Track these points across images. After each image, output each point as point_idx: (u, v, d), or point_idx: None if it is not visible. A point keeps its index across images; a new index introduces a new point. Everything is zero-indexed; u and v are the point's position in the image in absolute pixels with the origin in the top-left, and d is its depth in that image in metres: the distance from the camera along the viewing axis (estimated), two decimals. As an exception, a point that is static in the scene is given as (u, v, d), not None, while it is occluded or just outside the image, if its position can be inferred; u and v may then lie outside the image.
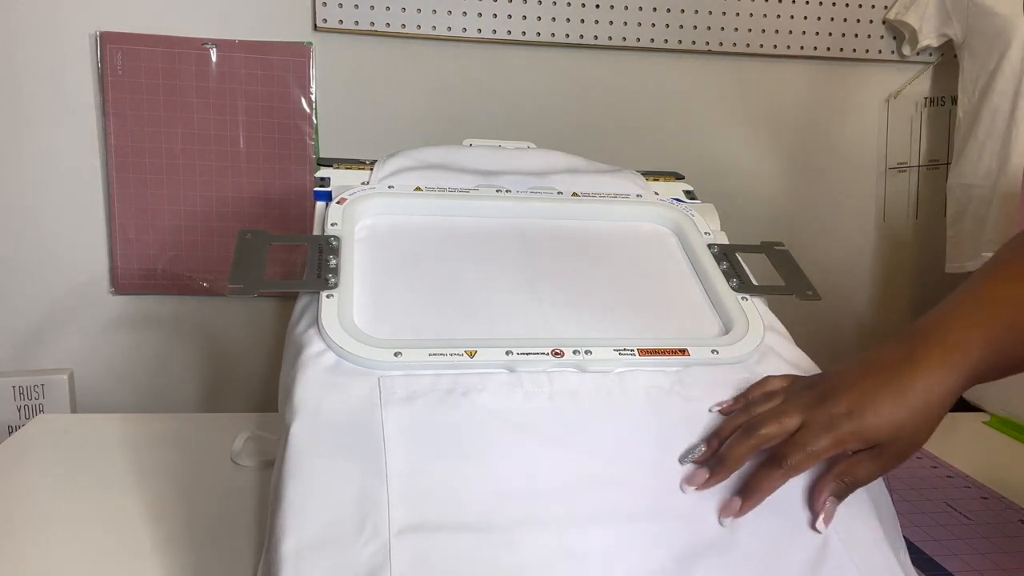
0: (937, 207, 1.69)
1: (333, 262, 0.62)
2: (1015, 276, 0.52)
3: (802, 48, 1.57)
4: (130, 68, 1.35)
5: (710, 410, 0.54)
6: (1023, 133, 1.38)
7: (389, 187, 0.73)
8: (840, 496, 0.49)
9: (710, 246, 0.71)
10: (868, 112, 1.65)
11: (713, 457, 0.51)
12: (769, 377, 0.56)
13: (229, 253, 0.68)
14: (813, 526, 0.49)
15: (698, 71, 1.56)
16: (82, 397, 1.37)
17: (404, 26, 1.42)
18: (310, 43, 1.41)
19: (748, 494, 0.49)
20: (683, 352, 0.58)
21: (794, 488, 0.51)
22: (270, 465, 0.72)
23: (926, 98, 1.67)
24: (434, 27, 1.43)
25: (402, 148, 0.81)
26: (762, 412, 0.51)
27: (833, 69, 1.61)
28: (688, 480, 0.50)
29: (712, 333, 0.62)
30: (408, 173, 0.75)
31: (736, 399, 0.54)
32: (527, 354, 0.55)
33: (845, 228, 1.70)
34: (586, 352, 0.56)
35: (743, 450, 0.49)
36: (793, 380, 0.55)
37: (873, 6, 1.58)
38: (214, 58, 1.37)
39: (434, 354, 0.54)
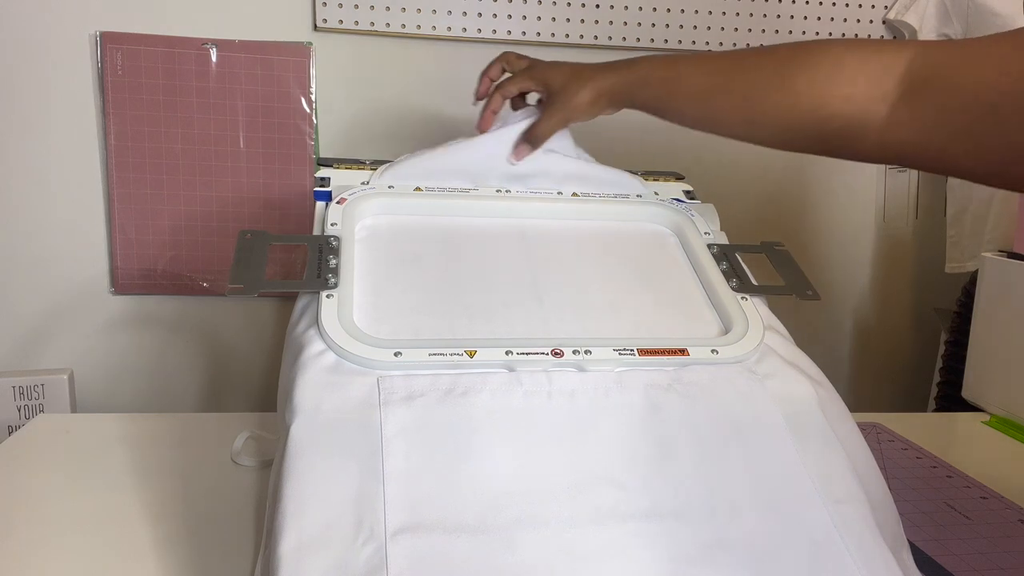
0: (937, 207, 1.69)
1: (333, 262, 0.62)
2: (721, 57, 0.67)
3: (802, 48, 1.57)
4: (130, 68, 1.35)
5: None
6: (1023, 133, 1.38)
7: (389, 187, 0.73)
8: (533, 143, 0.77)
9: (710, 246, 0.71)
10: (868, 112, 1.65)
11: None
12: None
13: (229, 253, 0.68)
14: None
15: (698, 71, 1.56)
16: (82, 397, 1.37)
17: (404, 26, 1.42)
18: (310, 43, 1.41)
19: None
20: (683, 352, 0.58)
21: (794, 489, 0.51)
22: (270, 465, 0.72)
23: (926, 98, 1.66)
24: (434, 27, 1.43)
25: (404, 152, 0.81)
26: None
27: (833, 69, 1.61)
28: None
29: (712, 333, 0.62)
30: (407, 179, 0.75)
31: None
32: (527, 354, 0.55)
33: (845, 228, 1.70)
34: (586, 352, 0.56)
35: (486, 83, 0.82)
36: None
37: (873, 6, 1.58)
38: (214, 58, 1.37)
39: (434, 354, 0.54)
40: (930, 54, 0.55)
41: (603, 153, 0.97)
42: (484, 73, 0.84)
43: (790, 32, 1.56)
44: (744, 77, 0.63)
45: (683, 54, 0.72)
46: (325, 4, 1.39)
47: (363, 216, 0.69)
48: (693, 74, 0.67)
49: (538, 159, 0.82)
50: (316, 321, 0.56)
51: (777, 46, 0.64)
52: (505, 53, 0.83)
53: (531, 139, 0.75)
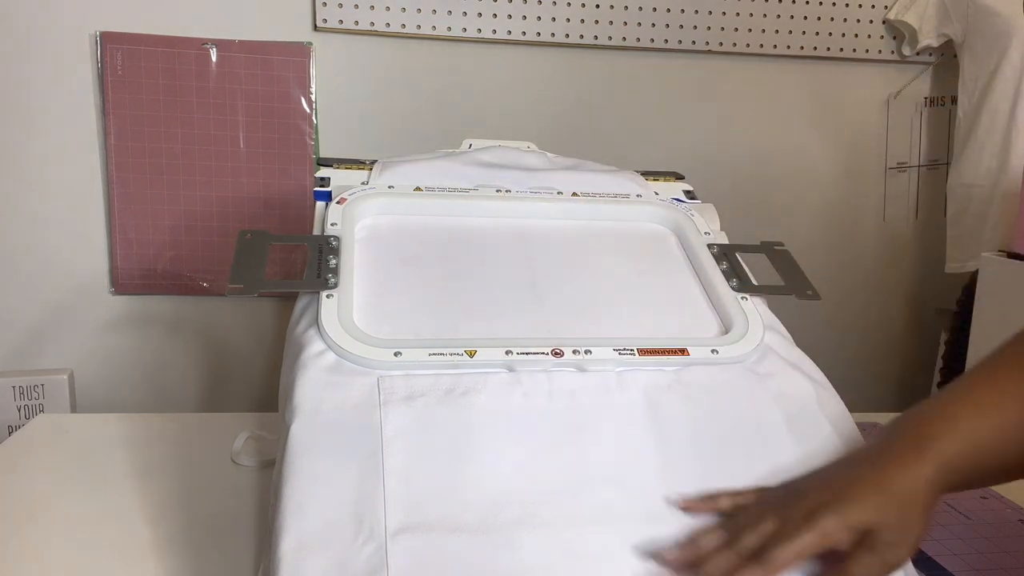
0: (937, 207, 1.69)
1: (333, 262, 0.62)
2: (1010, 375, 0.49)
3: (802, 48, 1.57)
4: (130, 68, 1.35)
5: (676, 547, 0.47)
6: (1023, 133, 1.38)
7: (389, 187, 0.73)
8: None
9: (710, 246, 0.71)
10: (868, 112, 1.65)
11: (684, 566, 0.46)
12: (738, 491, 0.50)
13: (229, 253, 0.68)
14: None
15: (698, 71, 1.56)
16: (82, 397, 1.37)
17: (404, 26, 1.42)
18: (310, 43, 1.41)
19: None
20: (683, 352, 0.58)
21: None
22: (270, 465, 0.72)
23: (926, 98, 1.67)
24: (434, 27, 1.43)
25: (400, 152, 0.81)
26: (737, 522, 0.47)
27: (833, 69, 1.61)
28: None
29: (712, 333, 0.62)
30: (407, 178, 0.75)
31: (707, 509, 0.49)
32: (527, 354, 0.55)
33: (845, 228, 1.70)
34: (586, 352, 0.56)
35: (723, 564, 0.45)
36: (763, 489, 0.50)
37: (873, 6, 1.58)
38: (214, 58, 1.37)
39: (434, 354, 0.54)
40: None
41: (603, 153, 0.97)
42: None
43: (790, 32, 1.56)
44: None
45: (956, 400, 0.50)
46: (325, 4, 1.39)
47: (363, 216, 0.69)
48: (1001, 430, 0.48)
49: (538, 159, 0.82)
50: (316, 321, 0.56)
51: None
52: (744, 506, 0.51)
53: None
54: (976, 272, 1.29)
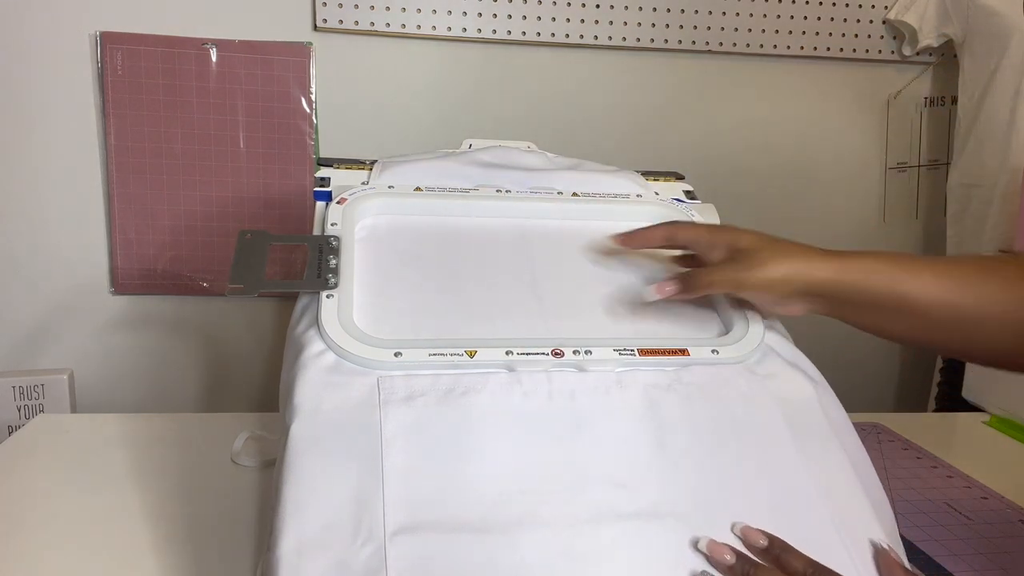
0: (937, 207, 1.69)
1: (333, 262, 0.62)
2: (951, 265, 0.56)
3: (802, 48, 1.57)
4: (130, 68, 1.35)
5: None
6: (1023, 133, 1.38)
7: (389, 187, 0.73)
8: (686, 288, 0.59)
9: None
10: (868, 112, 1.65)
11: None
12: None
13: (229, 253, 0.68)
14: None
15: (698, 71, 1.56)
16: (82, 397, 1.38)
17: (404, 26, 1.42)
18: (310, 43, 1.41)
19: None
20: (683, 352, 0.58)
21: (793, 488, 0.51)
22: (270, 465, 0.72)
23: (926, 98, 1.67)
24: (434, 27, 1.43)
25: (400, 152, 0.80)
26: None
27: (833, 69, 1.61)
28: None
29: (712, 333, 0.62)
30: (406, 178, 0.75)
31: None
32: (527, 354, 0.55)
33: (845, 228, 1.70)
34: (586, 352, 0.56)
35: None
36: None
37: (873, 6, 1.58)
38: (214, 58, 1.37)
39: (434, 354, 0.54)
40: None
41: (603, 153, 0.97)
42: (639, 232, 0.66)
43: (790, 32, 1.56)
44: (990, 277, 0.54)
45: (892, 252, 0.58)
46: (325, 4, 1.39)
47: (363, 216, 0.69)
48: (927, 271, 0.55)
49: (538, 159, 0.82)
50: (316, 321, 0.56)
51: (996, 259, 0.57)
52: (674, 223, 0.66)
53: (688, 282, 0.59)
54: (976, 272, 1.28)
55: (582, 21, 1.48)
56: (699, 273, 0.59)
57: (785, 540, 0.48)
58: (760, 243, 0.58)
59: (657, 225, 0.65)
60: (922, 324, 0.56)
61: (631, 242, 0.65)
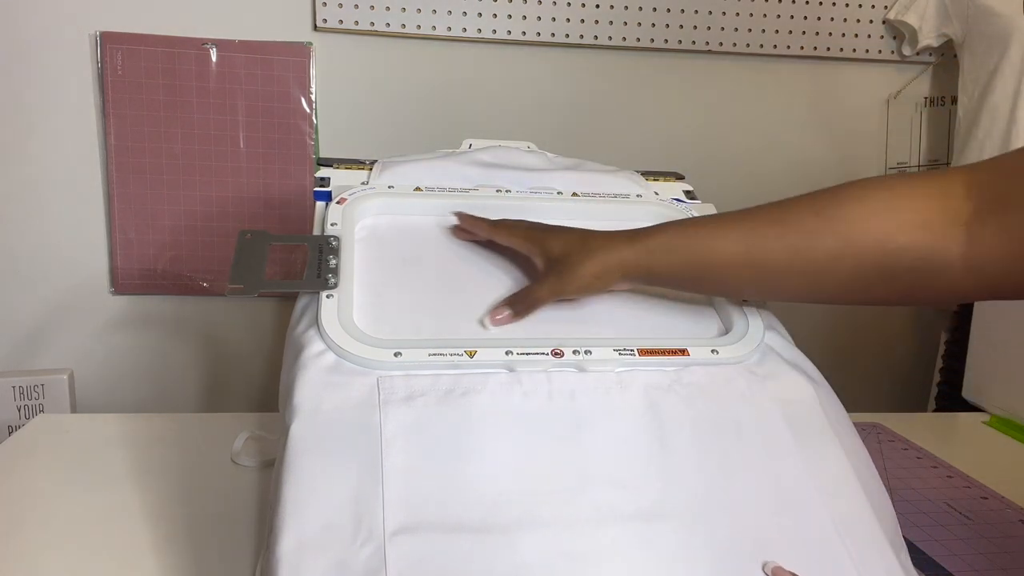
0: (937, 207, 1.69)
1: (333, 262, 0.62)
2: (731, 214, 0.59)
3: (802, 48, 1.57)
4: (130, 68, 1.35)
5: None
6: (1023, 133, 1.38)
7: (389, 187, 0.73)
8: (519, 311, 0.60)
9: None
10: (868, 112, 1.66)
11: None
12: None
13: (229, 253, 0.68)
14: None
15: (698, 71, 1.57)
16: (82, 397, 1.37)
17: (404, 26, 1.42)
18: (310, 43, 1.41)
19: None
20: (683, 352, 0.58)
21: (794, 489, 0.51)
22: (270, 465, 0.72)
23: (926, 98, 1.67)
24: (434, 27, 1.43)
25: (400, 152, 0.80)
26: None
27: (833, 69, 1.61)
28: None
29: (712, 333, 0.62)
30: (406, 178, 0.75)
31: None
32: (527, 354, 0.55)
33: (845, 228, 1.70)
34: (586, 352, 0.56)
35: None
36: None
37: (873, 6, 1.58)
38: (214, 58, 1.37)
39: (434, 354, 0.54)
40: (996, 167, 0.50)
41: (603, 153, 0.97)
42: (472, 221, 0.68)
43: (790, 32, 1.56)
44: (784, 230, 0.55)
45: (698, 218, 0.61)
46: (325, 4, 1.39)
47: (363, 216, 0.69)
48: (725, 237, 0.57)
49: (538, 159, 0.82)
50: (316, 321, 0.56)
51: (804, 195, 0.57)
52: (497, 223, 0.67)
53: (516, 306, 0.60)
54: (976, 272, 1.28)
55: (582, 21, 1.48)
56: (525, 294, 0.61)
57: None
58: (569, 246, 0.61)
59: (483, 220, 0.67)
60: (735, 282, 0.59)
61: (462, 232, 0.69)
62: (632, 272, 0.59)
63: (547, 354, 0.56)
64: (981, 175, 0.51)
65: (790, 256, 0.55)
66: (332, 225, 0.66)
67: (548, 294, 0.60)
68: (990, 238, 0.49)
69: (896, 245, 0.51)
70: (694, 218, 0.62)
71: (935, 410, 1.53)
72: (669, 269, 0.59)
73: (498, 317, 0.60)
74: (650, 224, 0.61)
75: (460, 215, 0.69)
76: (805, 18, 1.56)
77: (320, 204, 0.72)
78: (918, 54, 1.59)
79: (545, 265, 0.61)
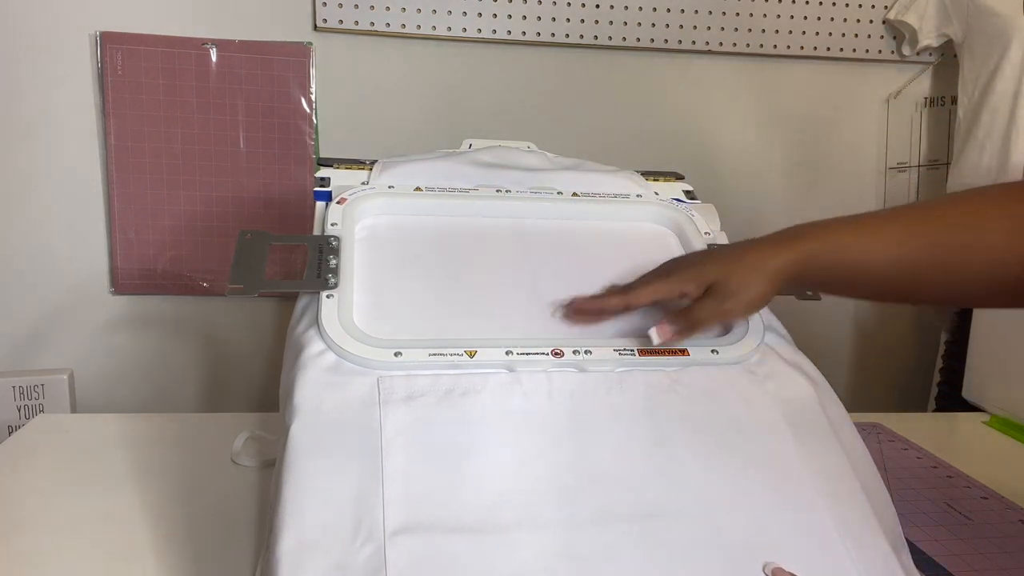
0: (937, 207, 1.69)
1: (333, 262, 0.62)
2: (901, 216, 0.59)
3: (802, 48, 1.57)
4: (130, 68, 1.35)
5: None
6: (1023, 133, 1.38)
7: (389, 187, 0.73)
8: (681, 329, 0.57)
9: (710, 246, 0.71)
10: (868, 112, 1.65)
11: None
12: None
13: (229, 253, 0.68)
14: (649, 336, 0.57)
15: (698, 71, 1.56)
16: (82, 397, 1.37)
17: (404, 26, 1.42)
18: (310, 43, 1.41)
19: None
20: (683, 352, 0.58)
21: (794, 489, 0.51)
22: (270, 465, 0.72)
23: (926, 98, 1.67)
24: (434, 27, 1.43)
25: (400, 152, 0.80)
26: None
27: (833, 69, 1.61)
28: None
29: (712, 333, 0.62)
30: (407, 178, 0.75)
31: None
32: (527, 354, 0.55)
33: (845, 228, 1.70)
34: (586, 352, 0.56)
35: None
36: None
37: (873, 6, 1.58)
38: (214, 58, 1.37)
39: (434, 354, 0.54)
40: None
41: (603, 153, 0.97)
42: (594, 302, 0.62)
43: (790, 32, 1.56)
44: (931, 243, 0.56)
45: (842, 223, 0.59)
46: (325, 4, 1.39)
47: (363, 216, 0.69)
48: (869, 244, 0.57)
49: (538, 159, 0.82)
50: (316, 321, 0.56)
51: (943, 201, 0.60)
52: (627, 289, 0.62)
53: (685, 322, 0.57)
54: (976, 272, 1.28)
55: (582, 21, 1.48)
56: (689, 313, 0.58)
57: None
58: (724, 269, 0.59)
59: (610, 297, 0.62)
60: (882, 289, 0.59)
61: (583, 316, 0.62)
62: (789, 280, 0.59)
63: (547, 354, 0.56)
64: None
65: (937, 269, 0.56)
66: (332, 225, 0.66)
67: (712, 317, 0.58)
68: None
69: None
70: (837, 222, 0.59)
71: (935, 410, 1.53)
72: (821, 276, 0.59)
73: (667, 332, 0.57)
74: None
75: (577, 307, 0.61)
76: (805, 18, 1.56)
77: (320, 204, 0.72)
78: (918, 54, 1.59)
79: (711, 290, 0.58)
